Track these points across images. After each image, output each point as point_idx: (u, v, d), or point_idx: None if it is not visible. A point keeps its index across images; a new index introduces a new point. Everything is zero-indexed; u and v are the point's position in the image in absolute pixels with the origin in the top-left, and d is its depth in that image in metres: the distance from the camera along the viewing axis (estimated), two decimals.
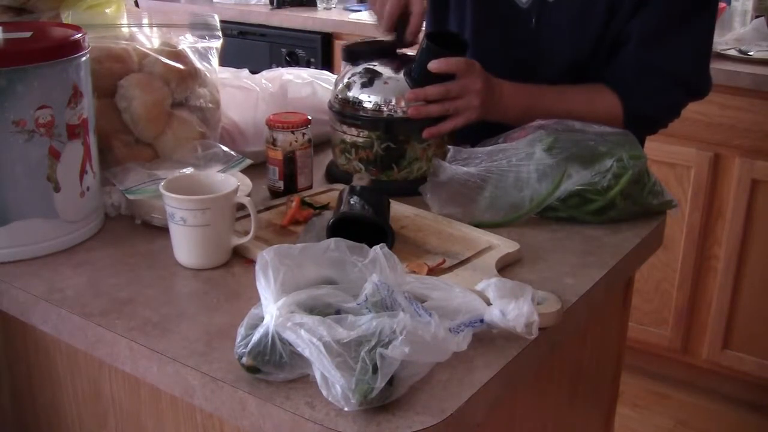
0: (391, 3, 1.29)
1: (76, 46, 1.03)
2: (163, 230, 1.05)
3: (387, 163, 1.25)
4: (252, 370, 0.78)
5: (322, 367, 0.73)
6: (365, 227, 0.99)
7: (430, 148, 1.25)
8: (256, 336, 0.77)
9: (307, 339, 0.74)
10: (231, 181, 1.04)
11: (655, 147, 1.87)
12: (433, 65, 1.21)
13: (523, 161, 1.16)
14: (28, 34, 1.05)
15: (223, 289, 0.97)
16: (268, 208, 1.17)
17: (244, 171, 1.21)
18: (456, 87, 1.22)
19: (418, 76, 1.23)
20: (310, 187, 1.25)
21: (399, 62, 1.28)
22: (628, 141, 1.19)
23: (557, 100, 1.33)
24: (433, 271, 0.97)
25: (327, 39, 3.06)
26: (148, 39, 1.28)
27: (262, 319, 0.78)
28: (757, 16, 2.57)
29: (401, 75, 1.25)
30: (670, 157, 2.33)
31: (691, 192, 2.35)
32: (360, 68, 1.27)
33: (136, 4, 1.72)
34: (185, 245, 1.01)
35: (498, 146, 1.20)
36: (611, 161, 1.15)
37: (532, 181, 1.15)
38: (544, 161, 1.15)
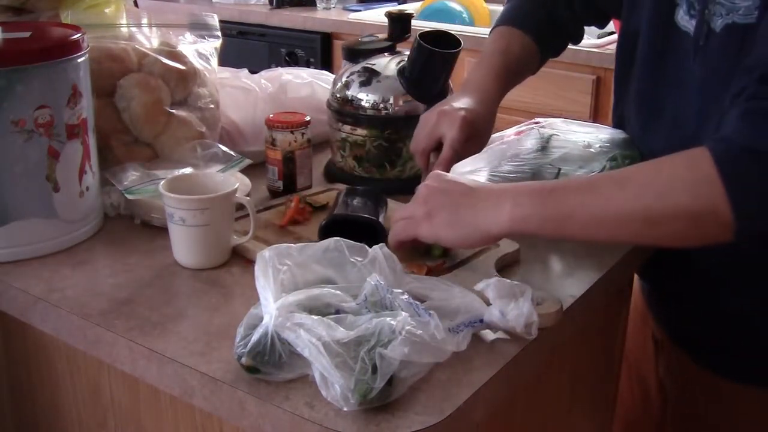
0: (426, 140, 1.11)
1: (75, 46, 1.03)
2: (163, 230, 1.05)
3: (381, 161, 1.25)
4: (251, 370, 0.78)
5: (322, 367, 0.73)
6: (361, 228, 0.99)
7: None
8: (256, 336, 0.77)
9: (307, 339, 0.74)
10: (230, 181, 1.04)
11: None
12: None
13: (518, 160, 1.16)
14: (27, 34, 1.04)
15: (222, 289, 0.97)
16: (267, 208, 1.17)
17: (244, 171, 1.21)
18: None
19: (411, 76, 1.23)
20: (310, 187, 1.25)
21: (399, 61, 1.28)
22: (622, 140, 1.19)
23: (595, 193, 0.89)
24: (432, 271, 0.97)
25: (326, 39, 3.06)
26: (148, 39, 1.28)
27: (261, 319, 0.78)
28: None
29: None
30: None
31: None
32: (359, 67, 1.28)
33: (136, 4, 1.72)
34: (184, 245, 1.01)
35: (493, 146, 1.20)
36: (605, 160, 1.15)
37: (526, 180, 1.15)
38: (538, 160, 1.15)
